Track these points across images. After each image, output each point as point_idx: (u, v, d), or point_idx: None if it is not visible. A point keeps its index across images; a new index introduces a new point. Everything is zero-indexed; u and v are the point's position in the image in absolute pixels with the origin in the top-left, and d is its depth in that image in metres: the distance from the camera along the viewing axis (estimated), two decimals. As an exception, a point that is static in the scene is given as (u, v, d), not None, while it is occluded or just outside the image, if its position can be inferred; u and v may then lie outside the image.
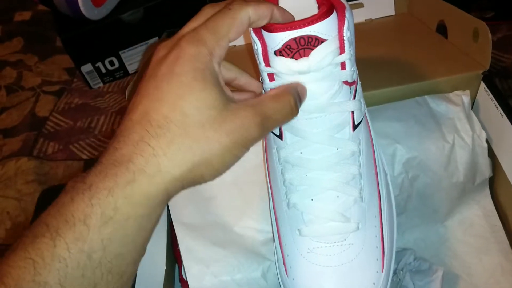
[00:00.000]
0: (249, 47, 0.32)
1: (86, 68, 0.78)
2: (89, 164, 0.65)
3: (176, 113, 0.25)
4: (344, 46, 0.29)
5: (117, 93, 0.79)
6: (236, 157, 0.26)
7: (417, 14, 0.60)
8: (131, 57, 0.80)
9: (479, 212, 0.45)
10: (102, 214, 0.23)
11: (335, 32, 0.29)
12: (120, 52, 0.79)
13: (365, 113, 0.35)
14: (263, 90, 0.34)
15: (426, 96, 0.45)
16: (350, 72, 0.31)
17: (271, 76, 0.31)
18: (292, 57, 0.29)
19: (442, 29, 0.54)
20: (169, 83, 0.25)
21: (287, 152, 0.33)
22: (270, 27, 0.29)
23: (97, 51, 0.78)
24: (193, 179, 0.26)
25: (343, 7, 0.30)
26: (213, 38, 0.26)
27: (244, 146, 0.26)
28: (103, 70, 0.80)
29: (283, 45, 0.29)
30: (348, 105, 0.32)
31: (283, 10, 0.29)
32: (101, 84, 0.81)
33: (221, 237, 0.41)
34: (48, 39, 0.94)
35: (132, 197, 0.23)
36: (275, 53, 0.29)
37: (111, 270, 0.24)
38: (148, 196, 0.24)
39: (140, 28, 0.78)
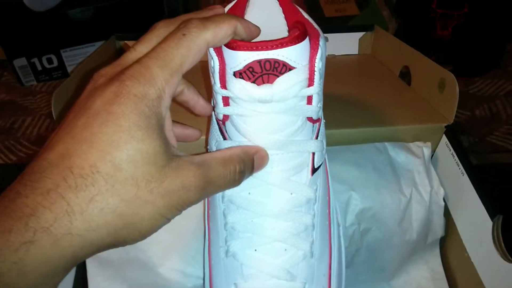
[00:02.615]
0: (203, 64, 0.27)
1: (19, 62, 0.70)
2: (2, 170, 0.57)
3: (106, 164, 0.20)
4: (314, 78, 0.26)
5: (51, 95, 0.70)
6: (167, 221, 0.22)
7: (381, 57, 0.58)
8: (74, 58, 0.73)
9: (427, 274, 0.42)
10: None
11: (306, 61, 0.25)
12: (61, 50, 0.71)
13: (325, 157, 0.31)
14: (213, 114, 0.29)
15: (386, 143, 0.42)
16: (316, 108, 0.27)
17: (226, 100, 0.27)
18: (253, 82, 0.25)
19: (404, 76, 0.53)
20: (103, 124, 0.20)
21: (233, 190, 0.28)
22: (232, 44, 0.24)
23: (35, 46, 0.70)
24: (111, 244, 0.21)
25: (317, 34, 0.26)
26: (163, 75, 0.22)
27: (178, 209, 0.22)
28: (39, 67, 0.72)
29: (245, 67, 0.24)
30: (309, 145, 0.28)
31: (247, 24, 0.25)
32: (34, 82, 0.73)
33: (141, 279, 0.34)
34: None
35: (24, 262, 0.18)
36: (235, 74, 0.25)
37: None
38: (48, 263, 0.19)
39: (88, 28, 0.71)
